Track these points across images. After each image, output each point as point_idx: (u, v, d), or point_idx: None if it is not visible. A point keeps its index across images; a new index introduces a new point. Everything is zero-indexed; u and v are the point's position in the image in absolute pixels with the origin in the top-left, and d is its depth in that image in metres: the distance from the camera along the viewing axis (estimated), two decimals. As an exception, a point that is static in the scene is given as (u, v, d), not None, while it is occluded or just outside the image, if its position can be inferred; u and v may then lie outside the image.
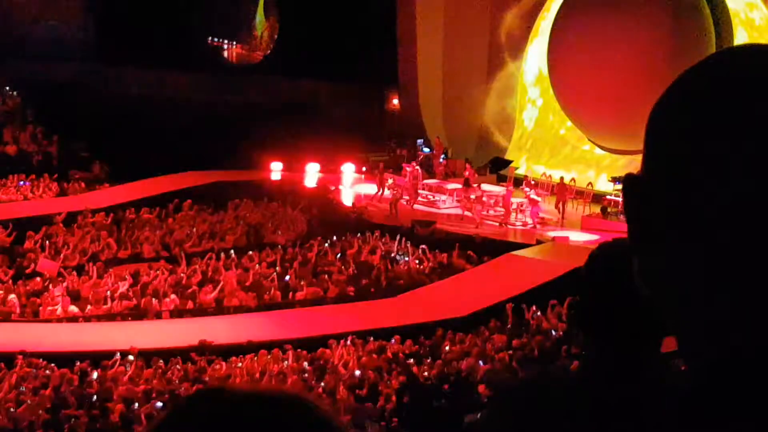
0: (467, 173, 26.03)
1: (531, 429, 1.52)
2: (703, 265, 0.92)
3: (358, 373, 14.77)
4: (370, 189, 26.95)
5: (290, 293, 19.67)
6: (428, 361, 15.57)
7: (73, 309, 18.23)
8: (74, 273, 19.85)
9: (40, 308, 18.17)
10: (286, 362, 15.36)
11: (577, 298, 1.91)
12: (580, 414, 1.52)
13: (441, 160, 28.39)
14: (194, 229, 23.37)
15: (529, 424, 1.52)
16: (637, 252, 0.99)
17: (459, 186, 25.92)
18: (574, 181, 26.59)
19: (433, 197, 26.16)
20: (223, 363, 15.43)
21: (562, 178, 25.14)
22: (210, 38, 37.97)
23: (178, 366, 15.06)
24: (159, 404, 13.01)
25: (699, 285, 0.93)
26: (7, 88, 33.88)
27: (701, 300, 0.94)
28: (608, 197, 24.12)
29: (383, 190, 26.16)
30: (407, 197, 25.72)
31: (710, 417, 0.91)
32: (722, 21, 25.51)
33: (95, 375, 14.47)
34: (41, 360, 14.96)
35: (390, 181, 26.10)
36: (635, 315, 1.73)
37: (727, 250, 0.91)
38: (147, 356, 15.31)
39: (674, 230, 0.94)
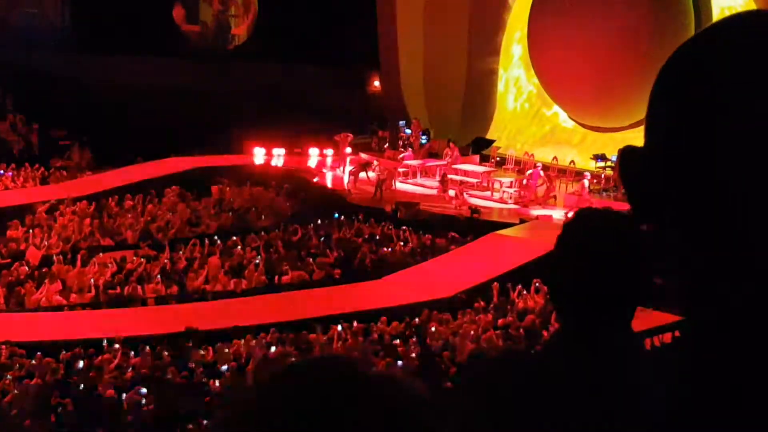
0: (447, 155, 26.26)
1: (504, 402, 1.53)
2: (704, 233, 0.93)
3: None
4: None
5: (275, 277, 19.66)
6: (414, 341, 15.62)
7: (58, 298, 18.16)
8: (58, 260, 19.74)
9: (25, 297, 18.10)
10: (273, 347, 15.37)
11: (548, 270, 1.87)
12: (550, 386, 1.53)
13: (423, 141, 28.41)
14: (177, 216, 23.30)
15: (501, 398, 1.54)
16: (640, 221, 1.00)
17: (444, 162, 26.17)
18: (556, 159, 26.63)
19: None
20: (210, 348, 15.44)
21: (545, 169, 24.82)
22: (188, 24, 37.67)
23: (165, 352, 15.05)
24: (143, 390, 13.01)
25: (699, 250, 0.94)
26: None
27: (702, 263, 0.95)
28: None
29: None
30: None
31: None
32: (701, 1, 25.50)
33: (81, 363, 14.45)
34: (26, 350, 14.93)
35: (375, 162, 25.99)
36: (608, 285, 1.72)
37: (729, 217, 0.91)
38: (133, 343, 15.30)
39: (679, 199, 0.94)
